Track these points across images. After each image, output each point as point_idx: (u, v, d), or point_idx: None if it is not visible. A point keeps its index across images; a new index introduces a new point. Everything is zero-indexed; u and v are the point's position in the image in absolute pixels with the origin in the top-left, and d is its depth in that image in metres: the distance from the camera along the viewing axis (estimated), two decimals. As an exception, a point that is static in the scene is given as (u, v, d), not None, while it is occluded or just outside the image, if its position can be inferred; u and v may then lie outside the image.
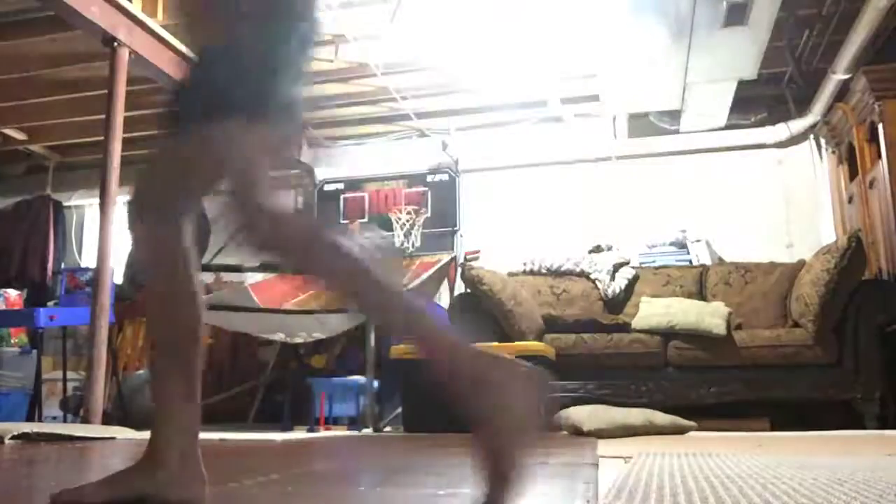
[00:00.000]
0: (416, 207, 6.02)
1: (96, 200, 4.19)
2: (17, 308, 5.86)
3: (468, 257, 5.86)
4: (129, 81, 4.26)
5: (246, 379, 5.45)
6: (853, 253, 3.75)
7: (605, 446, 2.49)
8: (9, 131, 6.30)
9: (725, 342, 3.89)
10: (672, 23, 4.07)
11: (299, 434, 3.83)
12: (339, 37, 4.85)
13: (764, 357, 3.84)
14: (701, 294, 4.56)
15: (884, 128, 4.23)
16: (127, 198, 1.15)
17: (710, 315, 3.96)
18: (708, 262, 5.16)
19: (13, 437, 2.95)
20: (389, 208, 6.06)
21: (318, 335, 4.53)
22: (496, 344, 3.85)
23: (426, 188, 6.08)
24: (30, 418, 4.50)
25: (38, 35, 4.81)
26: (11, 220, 6.74)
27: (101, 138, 4.09)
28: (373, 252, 1.07)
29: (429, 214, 6.00)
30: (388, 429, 4.08)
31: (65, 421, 4.61)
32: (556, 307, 4.62)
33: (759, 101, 5.52)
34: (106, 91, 4.15)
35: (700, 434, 3.33)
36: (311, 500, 1.36)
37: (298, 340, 4.70)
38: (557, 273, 4.89)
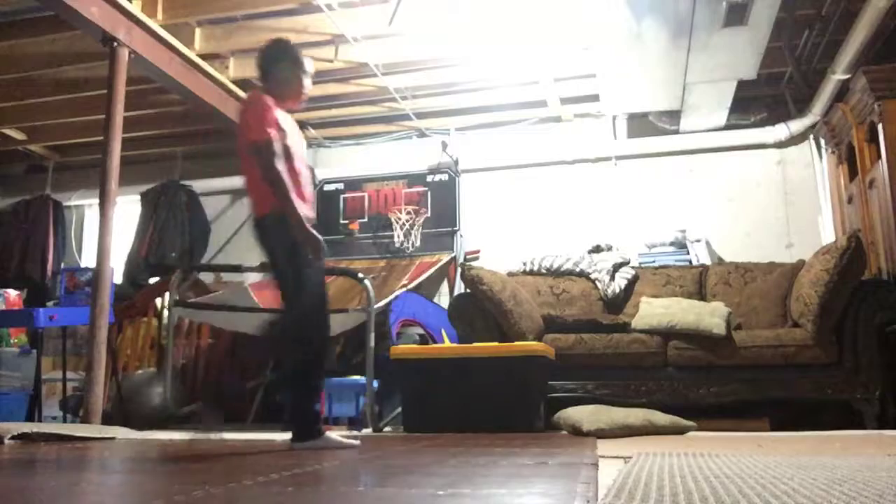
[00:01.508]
0: (416, 207, 6.02)
1: (96, 200, 4.20)
2: (16, 308, 5.86)
3: (468, 257, 5.86)
4: (129, 81, 4.26)
5: (246, 379, 5.43)
6: (853, 253, 3.74)
7: (605, 446, 2.49)
8: (9, 131, 6.30)
9: (725, 342, 3.88)
10: (672, 23, 4.07)
11: (299, 434, 3.81)
12: (339, 37, 4.85)
13: (764, 357, 3.83)
14: (701, 294, 4.56)
15: (884, 128, 4.22)
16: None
17: (710, 315, 3.95)
18: (708, 262, 5.16)
19: (13, 437, 2.95)
20: (389, 208, 6.06)
21: (317, 335, 4.52)
22: (496, 344, 3.85)
23: (426, 188, 6.08)
24: (30, 418, 4.50)
25: (38, 35, 4.82)
26: (11, 220, 6.74)
27: (101, 138, 4.09)
28: None
29: (429, 214, 6.00)
30: (388, 429, 4.07)
31: (65, 421, 4.60)
32: (555, 307, 4.61)
33: (759, 101, 5.53)
34: (106, 91, 4.16)
35: (700, 434, 3.33)
36: (311, 500, 1.36)
37: (298, 340, 4.69)
38: (557, 273, 4.89)
